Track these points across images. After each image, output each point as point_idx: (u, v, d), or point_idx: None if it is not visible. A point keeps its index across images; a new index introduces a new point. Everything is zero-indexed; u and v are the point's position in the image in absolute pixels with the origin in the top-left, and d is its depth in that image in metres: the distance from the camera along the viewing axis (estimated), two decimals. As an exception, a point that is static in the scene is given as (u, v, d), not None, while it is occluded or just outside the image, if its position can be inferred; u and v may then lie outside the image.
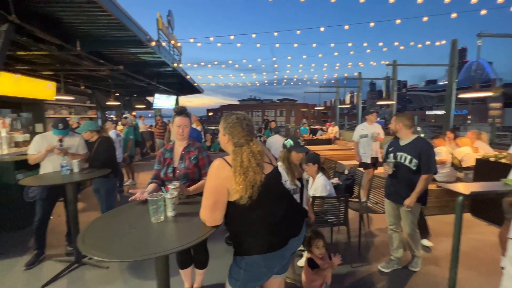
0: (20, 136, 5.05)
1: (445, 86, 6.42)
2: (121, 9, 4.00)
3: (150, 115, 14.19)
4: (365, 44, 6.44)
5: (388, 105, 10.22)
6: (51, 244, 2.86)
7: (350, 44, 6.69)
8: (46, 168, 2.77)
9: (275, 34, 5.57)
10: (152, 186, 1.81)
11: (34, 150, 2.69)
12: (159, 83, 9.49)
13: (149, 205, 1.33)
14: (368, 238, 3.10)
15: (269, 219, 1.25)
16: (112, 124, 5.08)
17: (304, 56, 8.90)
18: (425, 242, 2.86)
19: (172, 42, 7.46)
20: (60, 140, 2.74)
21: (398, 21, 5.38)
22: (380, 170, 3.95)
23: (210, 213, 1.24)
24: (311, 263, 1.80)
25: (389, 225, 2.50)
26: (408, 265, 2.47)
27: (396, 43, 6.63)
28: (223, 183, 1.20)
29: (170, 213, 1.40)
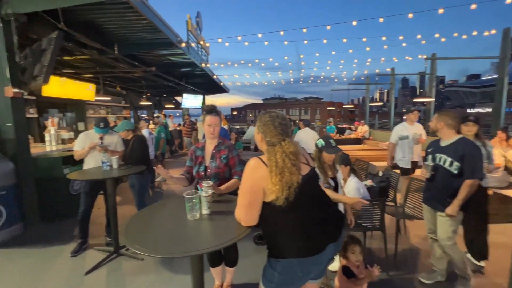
0: (65, 134, 5.54)
1: (491, 81, 5.79)
2: (155, 13, 4.17)
3: (177, 114, 14.78)
4: (401, 38, 6.02)
5: (423, 103, 9.49)
6: (92, 234, 3.08)
7: (384, 38, 6.30)
8: (89, 163, 2.99)
9: (304, 30, 5.43)
10: (181, 177, 1.90)
11: (79, 146, 2.92)
12: (187, 83, 9.83)
13: (185, 203, 1.35)
14: (405, 245, 2.89)
15: (306, 222, 1.20)
16: (145, 123, 5.35)
17: (333, 52, 8.55)
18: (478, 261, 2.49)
19: (201, 42, 7.65)
20: (101, 138, 2.93)
21: (441, 11, 4.91)
22: (417, 172, 3.66)
23: (246, 213, 1.22)
24: (346, 271, 1.71)
25: (429, 233, 2.30)
26: (455, 284, 2.21)
27: (437, 35, 6.05)
28: (259, 182, 1.18)
29: (205, 211, 1.42)
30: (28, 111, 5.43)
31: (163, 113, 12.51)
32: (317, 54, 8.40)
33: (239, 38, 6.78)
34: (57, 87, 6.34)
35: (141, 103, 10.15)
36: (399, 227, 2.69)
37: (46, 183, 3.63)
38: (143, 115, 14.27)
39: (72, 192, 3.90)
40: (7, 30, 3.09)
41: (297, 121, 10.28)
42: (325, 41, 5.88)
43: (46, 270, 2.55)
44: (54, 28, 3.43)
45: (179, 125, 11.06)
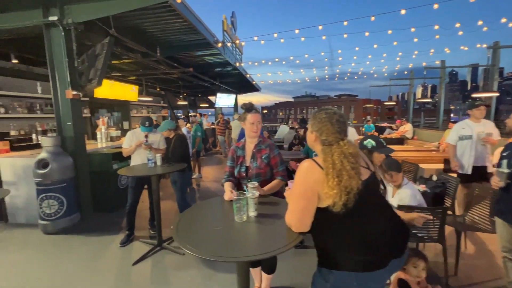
0: (113, 132, 6.01)
1: None
2: (194, 14, 4.29)
3: (209, 113, 15.24)
4: (457, 25, 5.31)
5: (482, 99, 8.36)
6: (137, 226, 3.27)
7: (436, 27, 5.61)
8: (135, 160, 3.18)
9: (345, 23, 5.11)
10: (229, 184, 1.83)
11: (127, 144, 3.12)
12: (221, 83, 10.04)
13: (233, 204, 1.32)
14: (467, 260, 2.54)
15: (365, 233, 1.08)
16: (184, 122, 5.56)
17: (375, 46, 7.91)
18: None
19: (237, 41, 7.74)
20: (146, 136, 3.10)
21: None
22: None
23: (298, 219, 1.14)
24: (403, 285, 1.53)
25: (504, 251, 1.97)
26: None
27: (503, 19, 5.14)
28: (314, 186, 1.08)
29: (252, 213, 1.37)
30: (83, 111, 6.01)
31: (197, 112, 13.02)
32: (356, 49, 7.91)
33: (275, 35, 6.61)
34: (107, 89, 6.93)
35: (179, 102, 10.65)
36: (460, 240, 2.37)
37: (98, 177, 3.97)
38: (179, 114, 14.99)
39: (120, 186, 4.21)
40: (68, 38, 3.42)
41: (291, 121, 9.90)
42: (367, 33, 5.49)
43: (99, 258, 2.77)
44: (106, 35, 3.71)
45: (213, 124, 11.37)
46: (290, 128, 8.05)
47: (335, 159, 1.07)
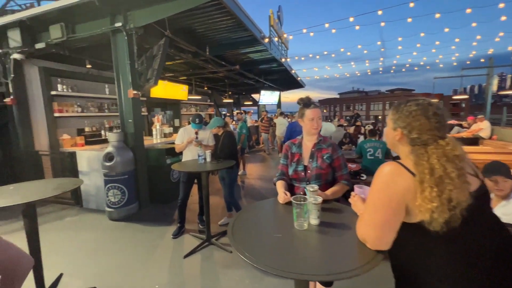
0: (166, 129, 6.45)
1: None
2: (243, 10, 4.26)
3: (252, 111, 15.36)
4: None
5: None
6: (187, 219, 3.39)
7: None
8: (187, 156, 3.29)
9: (411, 4, 4.43)
10: (282, 184, 1.68)
11: (179, 140, 3.24)
12: (265, 80, 9.98)
13: (293, 208, 1.18)
14: None
15: (470, 264, 0.83)
16: (231, 119, 5.64)
17: (447, 30, 6.71)
18: None
19: (285, 35, 7.56)
20: (196, 133, 3.17)
21: None
22: None
23: (377, 234, 0.93)
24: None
25: None
26: None
27: None
28: (400, 196, 0.87)
29: (314, 221, 1.21)
30: (141, 110, 6.60)
31: (242, 110, 13.26)
32: (422, 35, 6.93)
33: (327, 25, 6.53)
34: (161, 89, 7.48)
35: (225, 100, 10.97)
36: None
37: (153, 171, 4.27)
38: (224, 112, 15.50)
39: (172, 180, 4.46)
40: (130, 42, 3.71)
41: (337, 118, 8.95)
42: (437, 15, 4.65)
43: (154, 247, 2.93)
44: (161, 37, 3.93)
45: (256, 121, 11.41)
46: (338, 125, 7.55)
47: (434, 163, 0.83)
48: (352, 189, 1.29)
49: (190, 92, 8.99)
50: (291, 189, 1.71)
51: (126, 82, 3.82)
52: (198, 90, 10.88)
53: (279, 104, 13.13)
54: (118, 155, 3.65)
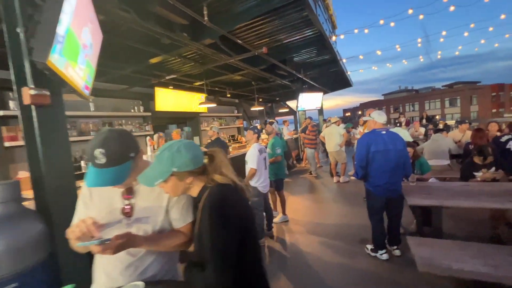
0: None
1: None
2: None
3: (288, 121, 12.95)
4: None
5: None
6: None
7: None
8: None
9: None
10: None
11: None
12: (305, 77, 7.44)
13: None
14: None
15: None
16: (253, 134, 3.28)
17: None
18: None
19: (331, 8, 5.11)
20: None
21: None
22: None
23: None
24: None
25: None
26: None
27: None
28: None
29: None
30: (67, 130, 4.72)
31: (273, 119, 10.83)
32: (502, 16, 3.82)
33: (381, 21, 6.59)
34: (169, 99, 5.62)
35: (253, 108, 8.79)
36: None
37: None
38: (256, 124, 13.33)
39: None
40: None
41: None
42: None
43: None
44: None
45: (296, 132, 8.89)
46: (436, 130, 4.62)
47: None
48: None
49: (208, 101, 6.99)
50: None
51: (19, 73, 1.78)
52: (221, 99, 8.92)
53: (321, 110, 10.42)
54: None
